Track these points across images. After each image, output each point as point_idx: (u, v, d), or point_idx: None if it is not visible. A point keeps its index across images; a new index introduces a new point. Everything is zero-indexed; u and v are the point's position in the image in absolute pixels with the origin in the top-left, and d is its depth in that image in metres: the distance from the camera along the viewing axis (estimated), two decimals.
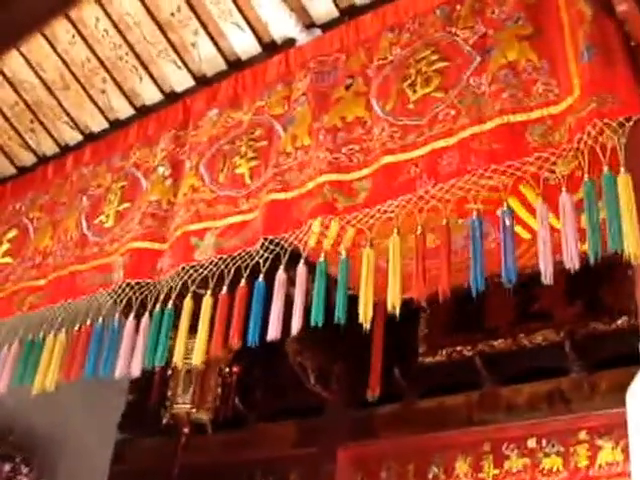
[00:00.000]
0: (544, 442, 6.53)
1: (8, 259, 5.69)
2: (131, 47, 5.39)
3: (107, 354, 4.80)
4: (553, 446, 6.48)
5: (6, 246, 5.78)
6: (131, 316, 4.83)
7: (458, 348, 7.22)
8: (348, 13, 4.77)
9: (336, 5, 4.80)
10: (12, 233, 5.83)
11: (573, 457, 6.39)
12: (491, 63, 3.78)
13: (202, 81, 5.42)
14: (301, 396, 7.65)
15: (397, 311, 3.77)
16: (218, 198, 4.59)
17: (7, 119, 6.03)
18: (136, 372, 4.68)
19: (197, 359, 4.47)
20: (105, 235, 5.07)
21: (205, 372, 7.14)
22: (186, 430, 7.27)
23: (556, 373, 6.71)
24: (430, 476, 6.93)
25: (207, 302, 4.48)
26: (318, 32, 4.81)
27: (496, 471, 6.67)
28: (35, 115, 6.00)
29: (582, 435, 6.40)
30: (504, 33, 3.85)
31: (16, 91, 5.87)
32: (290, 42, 4.95)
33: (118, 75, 5.63)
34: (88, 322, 5.01)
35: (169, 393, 7.27)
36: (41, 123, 6.04)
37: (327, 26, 4.82)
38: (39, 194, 5.86)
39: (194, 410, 7.11)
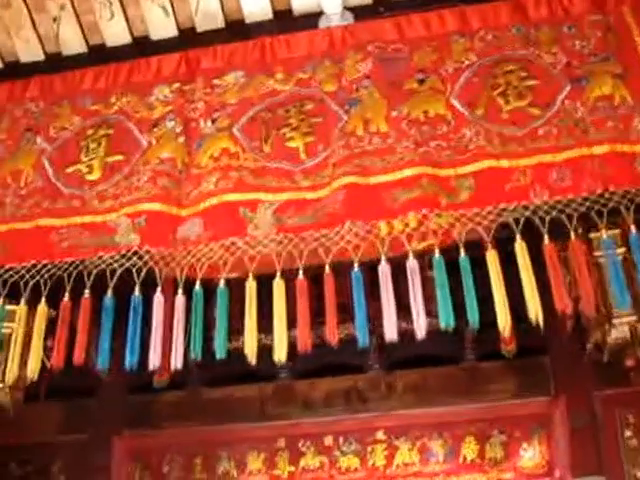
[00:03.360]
0: (341, 440, 6.61)
1: None
2: None
3: None
4: (350, 444, 6.59)
5: None
6: None
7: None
8: (383, 4, 5.09)
9: None
10: None
11: (371, 456, 6.54)
12: (586, 92, 4.24)
13: (187, 35, 5.26)
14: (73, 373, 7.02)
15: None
16: (266, 169, 4.42)
17: None
18: None
19: None
20: (90, 188, 4.59)
21: None
22: None
23: (354, 370, 6.76)
24: (220, 471, 6.73)
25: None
26: (349, 16, 5.04)
27: (292, 468, 6.63)
28: None
29: (379, 434, 6.57)
30: (594, 67, 4.32)
31: None
32: (309, 17, 5.11)
33: (81, 4, 5.18)
34: None
35: None
36: None
37: (359, 12, 5.07)
38: None
39: None
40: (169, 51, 5.18)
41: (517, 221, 4.20)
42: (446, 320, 4.19)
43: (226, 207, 4.32)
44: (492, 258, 4.24)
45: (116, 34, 5.33)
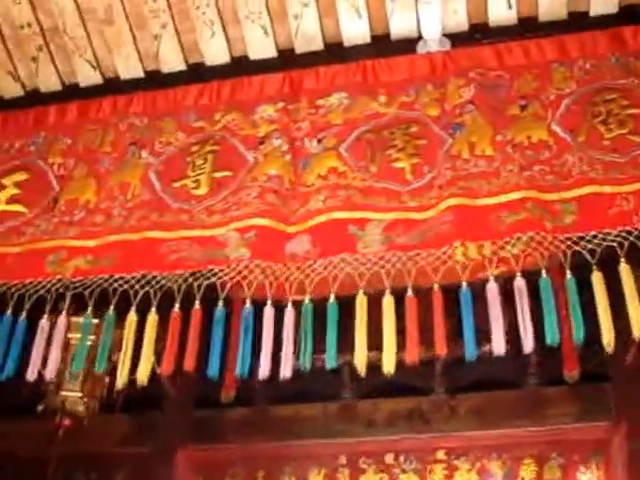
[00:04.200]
0: (402, 458, 6.79)
1: (19, 207, 5.10)
2: None
3: None
4: (411, 463, 6.76)
5: (13, 191, 5.17)
6: None
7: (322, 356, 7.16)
8: (479, 31, 5.25)
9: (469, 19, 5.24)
10: (20, 176, 5.23)
11: (430, 475, 6.71)
12: None
13: (285, 56, 5.37)
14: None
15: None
16: (373, 188, 4.53)
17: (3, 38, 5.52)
18: None
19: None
20: (197, 203, 4.73)
21: None
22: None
23: (417, 392, 6.93)
24: None
25: None
26: (446, 42, 5.17)
27: None
28: (46, 42, 5.49)
29: (440, 454, 6.74)
30: None
31: (34, 9, 5.37)
32: (407, 42, 5.26)
33: (182, 23, 5.30)
34: None
35: None
36: (49, 52, 5.55)
37: (456, 38, 5.22)
38: (57, 136, 5.33)
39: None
40: (267, 71, 5.36)
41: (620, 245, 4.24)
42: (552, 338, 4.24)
43: (335, 225, 4.41)
44: (598, 280, 4.26)
45: (216, 53, 5.52)
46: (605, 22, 5.21)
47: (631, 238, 4.21)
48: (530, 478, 6.50)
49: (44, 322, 4.75)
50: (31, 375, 4.60)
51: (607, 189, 4.25)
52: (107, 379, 6.47)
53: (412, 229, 4.34)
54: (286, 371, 4.49)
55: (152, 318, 4.68)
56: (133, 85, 5.78)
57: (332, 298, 4.49)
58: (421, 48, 5.22)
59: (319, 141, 4.83)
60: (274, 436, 6.99)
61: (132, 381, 6.79)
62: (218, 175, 4.83)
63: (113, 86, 5.83)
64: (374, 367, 6.61)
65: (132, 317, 4.68)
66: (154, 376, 6.05)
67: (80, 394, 6.33)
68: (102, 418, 6.83)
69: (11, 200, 5.15)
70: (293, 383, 6.71)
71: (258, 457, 6.99)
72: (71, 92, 5.92)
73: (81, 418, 6.46)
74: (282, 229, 4.46)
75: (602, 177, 4.31)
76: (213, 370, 4.48)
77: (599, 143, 4.47)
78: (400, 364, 6.49)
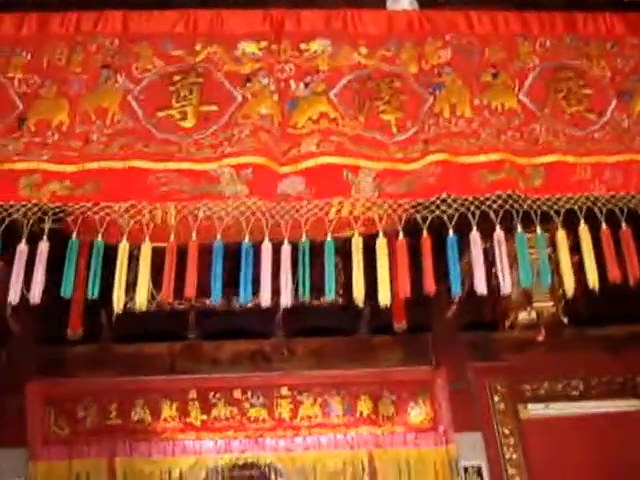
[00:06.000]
0: (249, 394, 7.32)
1: None
2: None
3: None
4: (258, 398, 7.33)
5: None
6: None
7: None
8: None
9: None
10: None
11: (277, 409, 7.33)
12: (631, 106, 4.95)
13: None
14: None
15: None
16: (362, 137, 4.66)
17: None
18: None
19: None
20: (185, 135, 4.58)
21: None
22: None
23: (259, 335, 7.51)
24: (135, 418, 7.19)
25: None
26: (415, 3, 5.30)
27: (204, 417, 7.25)
28: None
29: (284, 391, 7.37)
30: (636, 85, 5.03)
31: None
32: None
33: None
34: None
35: None
36: None
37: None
38: (14, 49, 4.89)
39: None
40: (242, 7, 5.17)
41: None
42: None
43: (330, 169, 4.56)
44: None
45: None
46: (560, 4, 5.52)
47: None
48: (368, 412, 7.35)
49: (22, 246, 4.53)
50: (13, 298, 4.37)
51: (570, 159, 4.80)
52: None
53: (400, 179, 4.61)
54: (287, 301, 4.52)
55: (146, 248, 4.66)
56: (98, 3, 5.26)
57: (329, 237, 4.68)
58: (390, 5, 5.34)
59: (306, 85, 4.90)
60: (121, 371, 7.27)
61: None
62: (205, 109, 4.75)
63: (76, 2, 5.28)
64: (217, 311, 7.28)
65: (124, 245, 4.62)
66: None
67: None
68: None
69: None
70: (138, 322, 7.29)
71: (108, 390, 7.21)
72: (30, 4, 5.29)
73: None
74: (275, 169, 4.55)
75: (565, 147, 4.84)
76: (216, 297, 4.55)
77: (562, 116, 4.96)
78: (243, 309, 7.23)
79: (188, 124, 4.64)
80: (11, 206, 4.50)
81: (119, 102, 4.72)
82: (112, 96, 4.75)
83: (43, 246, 4.49)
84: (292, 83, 4.85)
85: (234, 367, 7.42)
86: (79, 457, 7.09)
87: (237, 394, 7.31)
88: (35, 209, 4.52)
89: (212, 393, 7.29)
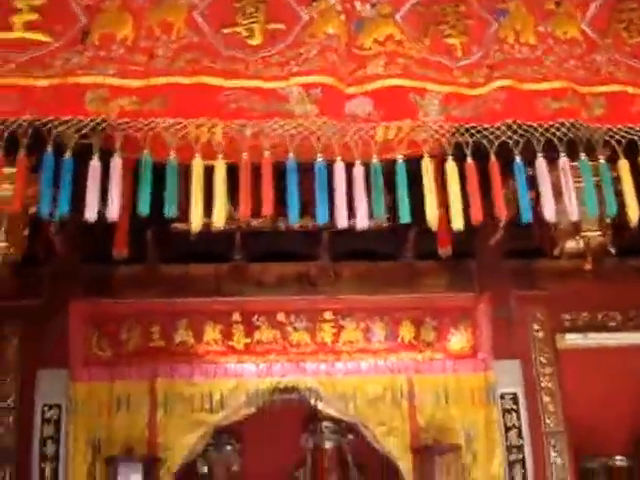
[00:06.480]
0: (292, 317, 7.36)
1: (41, 36, 4.59)
2: None
3: None
4: (301, 321, 7.37)
5: (31, 16, 4.63)
6: None
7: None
8: None
9: None
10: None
11: (319, 333, 7.38)
12: None
13: None
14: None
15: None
16: (428, 61, 4.67)
17: None
18: None
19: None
20: (253, 53, 4.55)
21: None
22: None
23: (304, 258, 7.53)
24: (177, 340, 7.24)
25: None
26: None
27: (247, 340, 7.30)
28: None
29: (327, 315, 7.42)
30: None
31: None
32: None
33: None
34: None
35: None
36: None
37: None
38: None
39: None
40: None
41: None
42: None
43: (397, 91, 4.57)
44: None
45: None
46: None
47: None
48: (409, 337, 7.42)
49: (95, 162, 4.47)
50: (90, 215, 4.34)
51: (630, 89, 4.81)
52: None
53: (465, 103, 4.64)
54: (362, 223, 4.52)
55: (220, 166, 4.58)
56: None
57: (400, 159, 4.61)
58: None
59: (372, 6, 4.87)
60: (165, 293, 7.28)
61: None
62: (271, 27, 4.70)
63: None
64: (263, 233, 7.29)
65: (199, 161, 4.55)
66: (40, 232, 6.23)
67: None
68: None
69: (30, 26, 4.65)
70: (184, 244, 7.33)
71: (151, 312, 7.24)
72: None
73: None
74: (342, 89, 4.54)
75: (626, 78, 4.85)
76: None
77: (622, 47, 4.97)
78: (288, 231, 7.25)
79: (255, 41, 4.61)
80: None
81: (184, 17, 4.67)
82: (177, 11, 4.70)
83: (117, 161, 4.45)
84: (358, 4, 4.82)
85: (279, 290, 7.45)
86: (120, 379, 7.13)
87: (281, 317, 7.35)
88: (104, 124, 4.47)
89: (256, 316, 7.33)
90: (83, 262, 7.23)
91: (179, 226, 7.17)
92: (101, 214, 4.41)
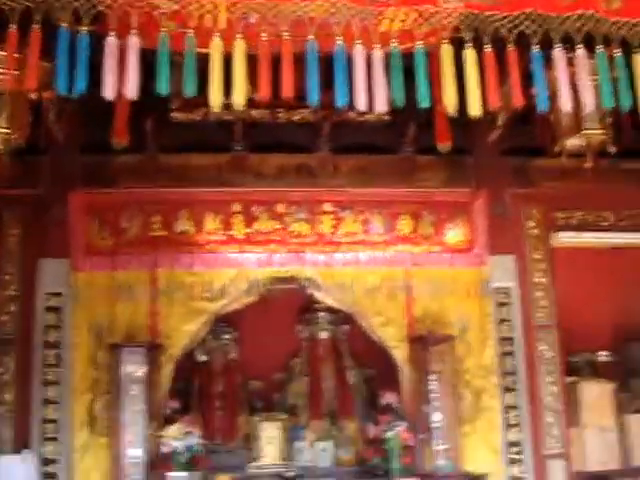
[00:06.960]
0: (292, 208, 7.41)
1: None
2: None
3: None
4: (301, 213, 7.41)
5: None
6: None
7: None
8: None
9: None
10: None
11: (319, 225, 7.43)
12: None
13: None
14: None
15: None
16: None
17: None
18: None
19: None
20: None
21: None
22: None
23: (304, 149, 7.57)
24: (179, 229, 7.27)
25: None
26: None
27: (247, 230, 7.35)
28: None
29: (327, 207, 7.46)
30: None
31: None
32: None
33: None
34: None
35: None
36: None
37: None
38: None
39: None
40: None
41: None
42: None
43: None
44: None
45: None
46: None
47: None
48: (407, 231, 7.51)
49: (112, 39, 4.48)
50: (109, 93, 4.38)
51: None
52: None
53: None
54: (383, 107, 4.61)
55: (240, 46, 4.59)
56: None
57: (420, 47, 4.68)
58: None
59: None
60: (166, 183, 7.30)
61: None
62: None
63: None
64: (263, 124, 7.30)
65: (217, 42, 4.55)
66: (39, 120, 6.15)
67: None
68: None
69: None
70: (184, 133, 7.35)
71: (152, 201, 7.26)
72: None
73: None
74: None
75: None
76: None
77: None
78: (288, 122, 7.28)
79: None
80: None
81: None
82: None
83: (134, 40, 4.45)
84: None
85: (279, 181, 7.48)
86: (121, 268, 7.19)
87: (280, 208, 7.38)
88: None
89: (256, 206, 7.36)
90: (82, 151, 7.19)
91: (179, 116, 7.29)
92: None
